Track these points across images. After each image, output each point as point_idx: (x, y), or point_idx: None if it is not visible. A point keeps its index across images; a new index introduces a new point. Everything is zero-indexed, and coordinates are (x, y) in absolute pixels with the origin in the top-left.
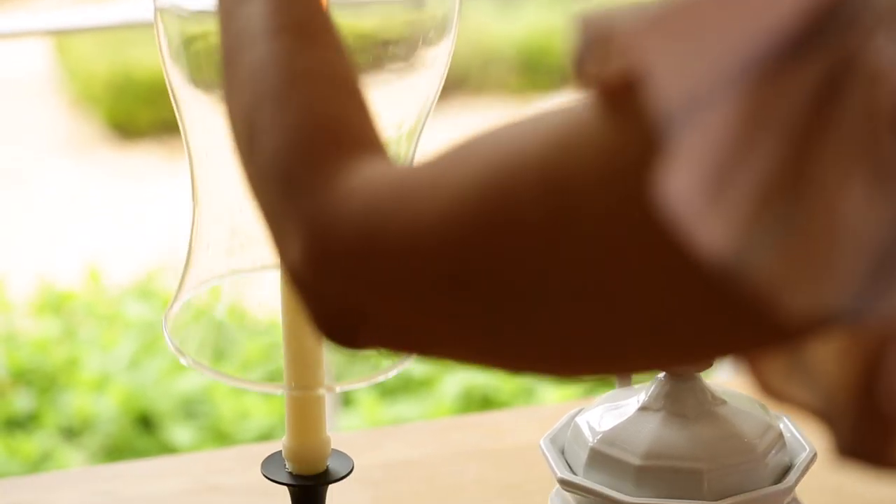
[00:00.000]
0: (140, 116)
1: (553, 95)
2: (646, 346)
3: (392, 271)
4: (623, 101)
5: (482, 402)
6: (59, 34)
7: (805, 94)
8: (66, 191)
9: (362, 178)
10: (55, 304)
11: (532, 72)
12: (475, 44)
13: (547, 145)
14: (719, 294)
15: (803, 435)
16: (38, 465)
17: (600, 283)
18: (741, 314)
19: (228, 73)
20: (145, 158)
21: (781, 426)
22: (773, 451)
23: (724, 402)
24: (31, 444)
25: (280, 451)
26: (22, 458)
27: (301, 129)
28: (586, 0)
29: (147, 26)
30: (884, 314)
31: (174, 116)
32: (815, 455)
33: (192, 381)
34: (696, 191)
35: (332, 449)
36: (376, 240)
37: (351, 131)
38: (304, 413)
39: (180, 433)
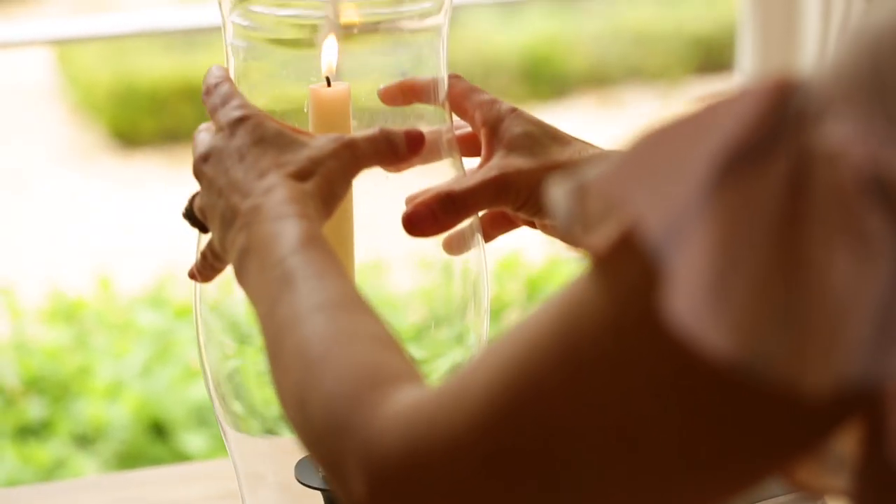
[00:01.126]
0: (142, 125)
1: (555, 103)
2: (690, 483)
3: (441, 478)
4: (614, 251)
5: None
6: (62, 43)
7: (775, 190)
8: (69, 199)
9: (401, 404)
10: (66, 313)
11: (534, 80)
12: (477, 53)
13: (557, 317)
14: (744, 401)
15: None
16: (51, 472)
17: (627, 426)
18: (770, 415)
19: (275, 360)
20: (147, 167)
21: None
22: None
23: None
24: (45, 451)
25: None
26: (35, 466)
27: (345, 381)
28: (590, 5)
29: (148, 35)
30: (892, 373)
31: (176, 125)
32: None
33: (204, 389)
34: (699, 304)
35: None
36: (421, 455)
37: (388, 371)
38: None
39: (193, 441)
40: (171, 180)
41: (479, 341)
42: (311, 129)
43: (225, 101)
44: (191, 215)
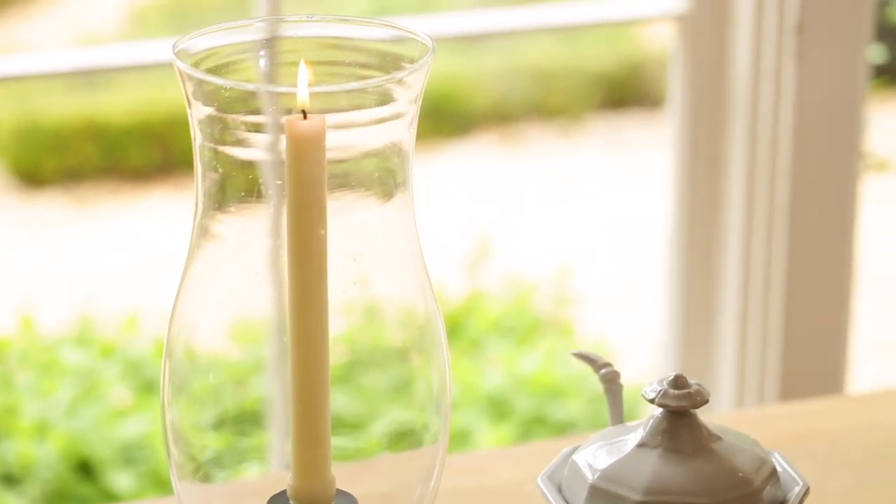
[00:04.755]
0: (45, 165)
1: (458, 141)
2: None
3: None
4: None
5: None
6: None
7: None
8: None
9: None
10: None
11: (437, 118)
12: None
13: None
14: None
15: (796, 470)
16: None
17: None
18: None
19: None
20: (52, 206)
21: (774, 461)
22: (769, 486)
23: (719, 438)
24: None
25: (284, 491)
26: None
27: None
28: (491, 42)
29: (53, 76)
30: None
31: (80, 163)
32: (807, 489)
33: (131, 428)
34: None
35: (336, 489)
36: None
37: None
38: (309, 453)
39: (121, 480)
40: (77, 220)
41: (441, 389)
42: (286, 161)
43: None
44: None
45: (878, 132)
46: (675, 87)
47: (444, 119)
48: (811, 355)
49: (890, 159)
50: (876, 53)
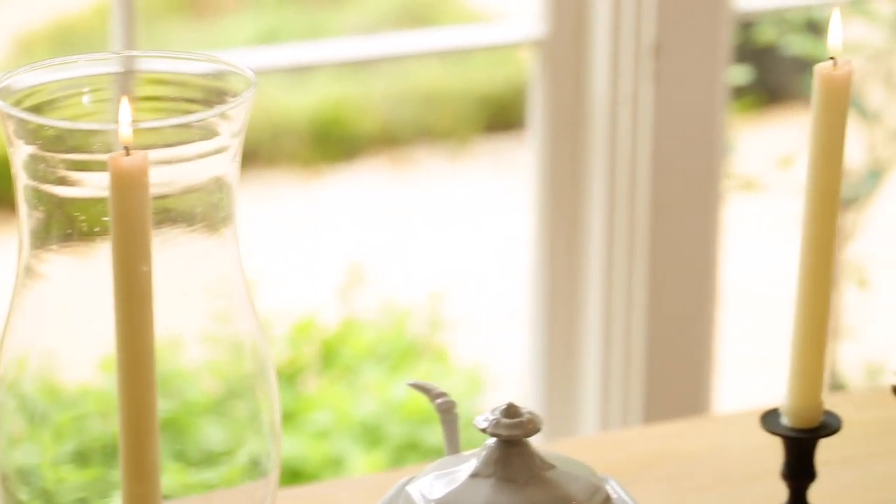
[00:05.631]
0: None
1: (346, 166)
2: None
3: None
4: None
5: (291, 475)
6: None
7: None
8: None
9: None
10: None
11: (324, 143)
12: (266, 117)
13: None
14: None
15: (630, 496)
16: None
17: None
18: None
19: None
20: None
21: (608, 488)
22: None
23: (552, 467)
24: None
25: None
26: None
27: None
28: (379, 66)
29: None
30: None
31: None
32: None
33: None
34: None
35: None
36: None
37: None
38: (139, 489)
39: None
40: None
41: (270, 422)
42: (110, 199)
43: None
44: None
45: (746, 152)
46: (536, 111)
47: (332, 144)
48: (675, 377)
49: (758, 179)
50: (741, 74)
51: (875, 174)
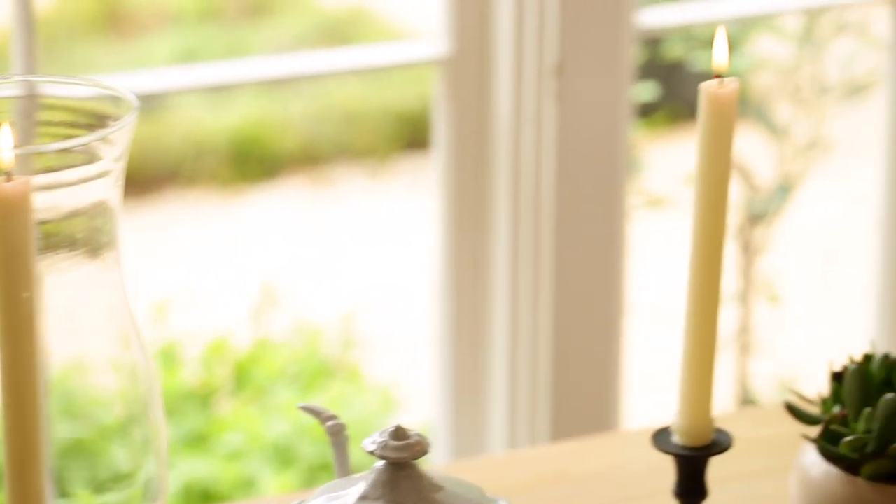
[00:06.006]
0: None
1: (266, 185)
2: None
3: None
4: None
5: (203, 496)
6: None
7: None
8: None
9: None
10: None
11: (244, 162)
12: (187, 136)
13: None
14: None
15: None
16: None
17: None
18: None
19: None
20: None
21: None
22: None
23: (441, 488)
24: None
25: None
26: None
27: None
28: (298, 85)
29: None
30: None
31: None
32: None
33: None
34: None
35: None
36: None
37: None
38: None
39: None
40: None
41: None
42: None
43: None
44: None
45: (655, 169)
46: (440, 131)
47: (252, 163)
48: (582, 394)
49: (667, 196)
50: (649, 90)
51: (784, 189)
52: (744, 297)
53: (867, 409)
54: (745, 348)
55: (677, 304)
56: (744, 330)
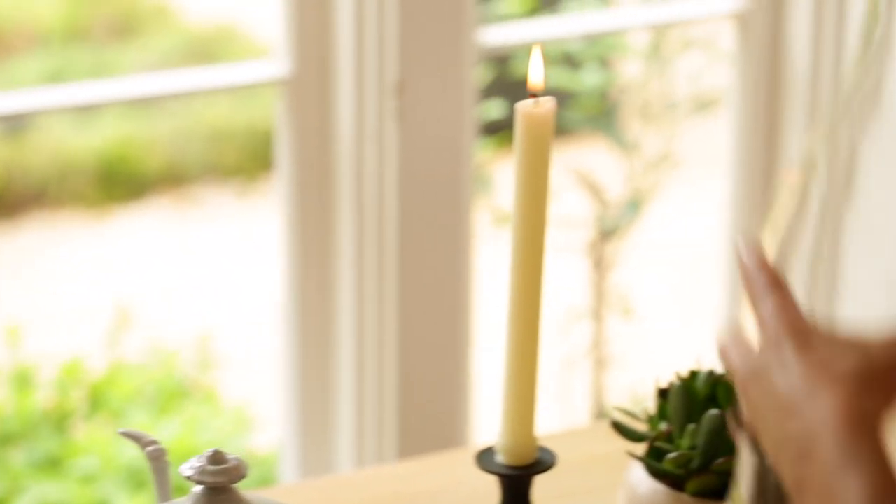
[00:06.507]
0: None
1: (132, 205)
2: None
3: None
4: None
5: None
6: None
7: None
8: None
9: None
10: None
11: (110, 182)
12: (53, 157)
13: None
14: None
15: None
16: None
17: None
18: None
19: None
20: None
21: None
22: None
23: None
24: None
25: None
26: None
27: None
28: (165, 104)
29: None
30: None
31: None
32: None
33: None
34: None
35: None
36: None
37: None
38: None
39: None
40: None
41: None
42: None
43: (778, 311)
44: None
45: (505, 187)
46: (283, 152)
47: (119, 183)
48: (429, 412)
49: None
50: (498, 108)
51: (634, 204)
52: (597, 312)
53: (691, 426)
54: (599, 362)
55: None
56: (598, 344)
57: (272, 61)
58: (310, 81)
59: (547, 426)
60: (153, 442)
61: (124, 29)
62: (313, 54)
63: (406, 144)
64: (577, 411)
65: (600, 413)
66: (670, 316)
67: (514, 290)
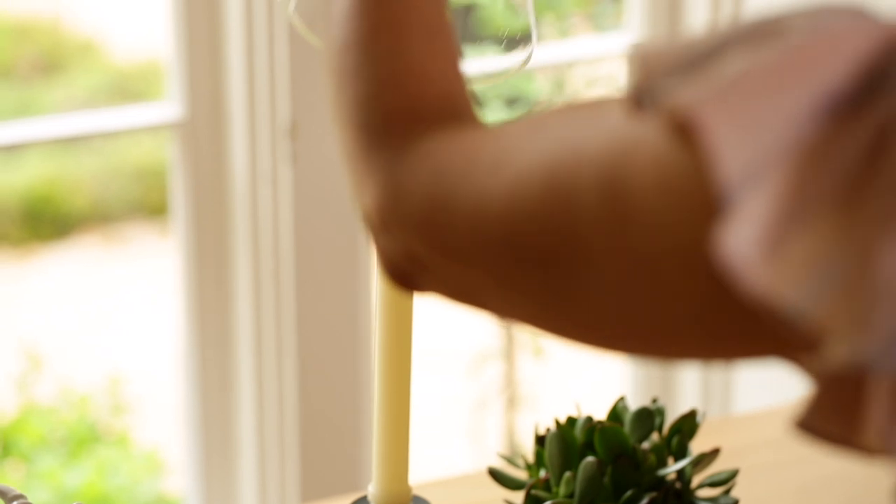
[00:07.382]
0: None
1: (58, 244)
2: (667, 338)
3: (453, 233)
4: (685, 139)
5: None
6: None
7: (857, 148)
8: None
9: (436, 142)
10: None
11: (35, 222)
12: None
13: (610, 143)
14: (746, 322)
15: None
16: None
17: (636, 273)
18: (768, 340)
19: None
20: None
21: None
22: None
23: None
24: None
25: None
26: None
27: (382, 83)
28: (90, 142)
29: None
30: None
31: None
32: None
33: None
34: (754, 248)
35: None
36: (441, 202)
37: (431, 88)
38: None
39: None
40: None
41: None
42: None
43: None
44: None
45: None
46: (178, 195)
47: (43, 222)
48: (330, 456)
49: None
50: None
51: None
52: (507, 353)
53: (568, 473)
54: (511, 402)
55: (432, 359)
56: (509, 384)
57: (165, 105)
58: (203, 125)
59: (459, 467)
60: (20, 496)
61: (48, 67)
62: (206, 98)
63: (300, 187)
64: (490, 452)
65: (514, 452)
66: (580, 355)
67: (384, 341)
